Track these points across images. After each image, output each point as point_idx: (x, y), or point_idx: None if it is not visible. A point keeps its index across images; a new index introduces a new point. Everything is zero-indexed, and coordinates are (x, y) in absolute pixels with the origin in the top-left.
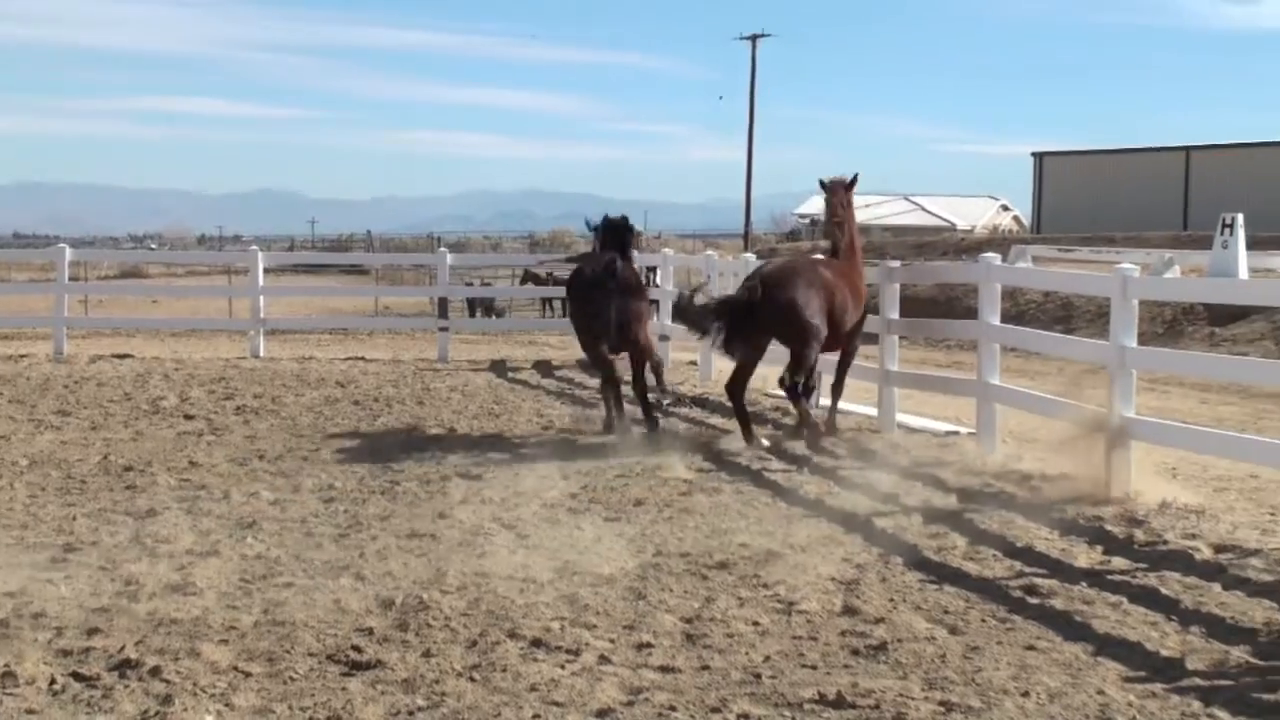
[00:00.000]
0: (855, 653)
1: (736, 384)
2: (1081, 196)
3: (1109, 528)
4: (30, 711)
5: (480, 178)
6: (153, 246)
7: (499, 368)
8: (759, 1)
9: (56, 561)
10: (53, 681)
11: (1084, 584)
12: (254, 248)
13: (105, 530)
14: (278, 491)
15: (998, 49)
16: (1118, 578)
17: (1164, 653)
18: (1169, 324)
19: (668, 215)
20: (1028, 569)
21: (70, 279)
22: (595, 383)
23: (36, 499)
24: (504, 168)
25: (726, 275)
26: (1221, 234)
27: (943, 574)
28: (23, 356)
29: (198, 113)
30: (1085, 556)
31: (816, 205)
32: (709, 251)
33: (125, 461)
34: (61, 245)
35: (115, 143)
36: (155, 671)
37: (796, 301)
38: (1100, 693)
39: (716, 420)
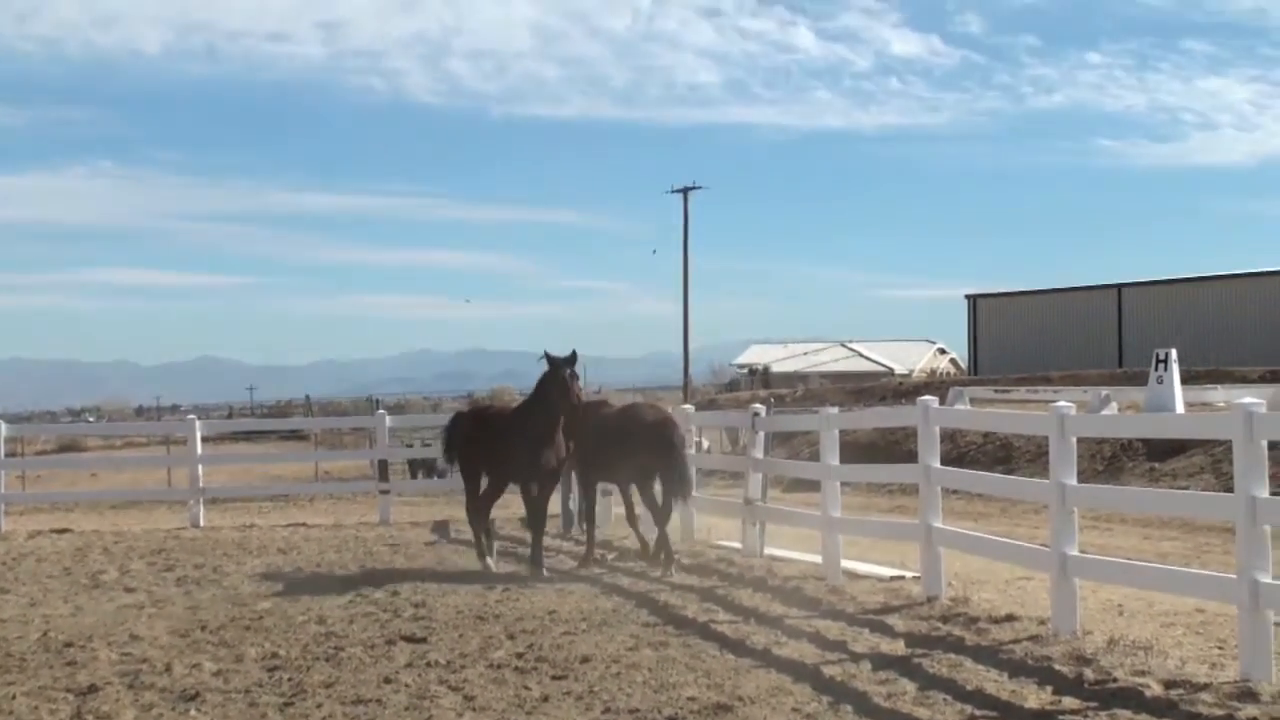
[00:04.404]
0: None
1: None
2: (1017, 337)
3: (1058, 667)
4: None
5: (420, 339)
6: (90, 419)
7: (441, 529)
8: (691, 155)
9: None
10: None
11: None
12: (191, 417)
13: (45, 708)
14: (220, 662)
15: (926, 196)
16: (1069, 718)
17: None
18: (1109, 460)
19: (610, 370)
20: (978, 712)
21: (7, 455)
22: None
23: None
24: (444, 329)
25: None
26: (1156, 370)
27: None
28: None
29: (132, 284)
30: (1035, 697)
31: (755, 355)
32: None
33: (65, 638)
34: None
35: (51, 316)
36: None
37: None
38: None
39: (660, 574)
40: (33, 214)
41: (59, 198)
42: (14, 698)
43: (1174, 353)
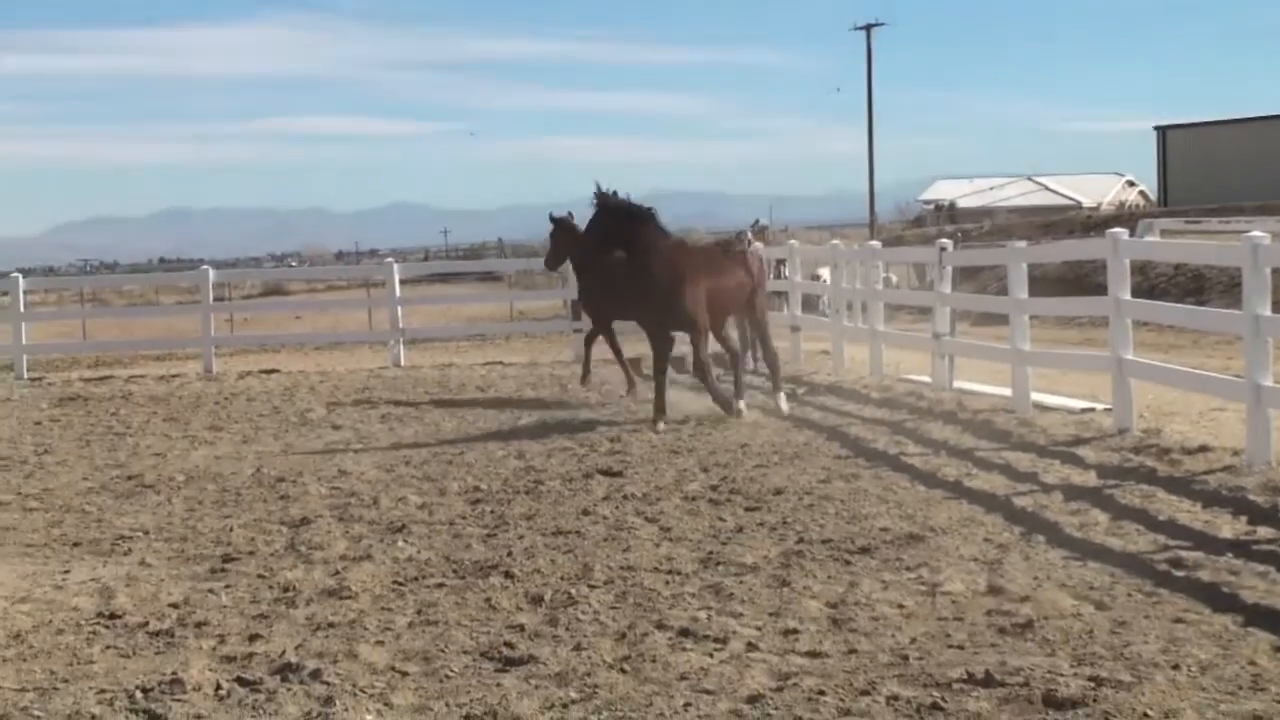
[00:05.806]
0: (1002, 631)
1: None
2: (1207, 168)
3: (1252, 498)
4: (198, 716)
5: (605, 181)
6: (293, 264)
7: (633, 366)
8: None
9: (216, 571)
10: (218, 687)
11: (1230, 555)
12: (389, 260)
13: (261, 540)
14: (425, 495)
15: (1112, 25)
16: (1264, 547)
17: None
18: None
19: (794, 209)
20: (1171, 542)
21: (215, 299)
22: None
23: (194, 512)
24: (629, 170)
25: (852, 263)
26: None
27: (1086, 550)
28: (174, 376)
29: (325, 132)
30: (1229, 527)
31: (941, 191)
32: (834, 240)
33: (277, 473)
34: (205, 267)
35: (245, 167)
36: (316, 674)
37: None
38: (1252, 663)
39: (850, 408)
40: (228, 66)
41: (252, 50)
42: (232, 529)
43: None
